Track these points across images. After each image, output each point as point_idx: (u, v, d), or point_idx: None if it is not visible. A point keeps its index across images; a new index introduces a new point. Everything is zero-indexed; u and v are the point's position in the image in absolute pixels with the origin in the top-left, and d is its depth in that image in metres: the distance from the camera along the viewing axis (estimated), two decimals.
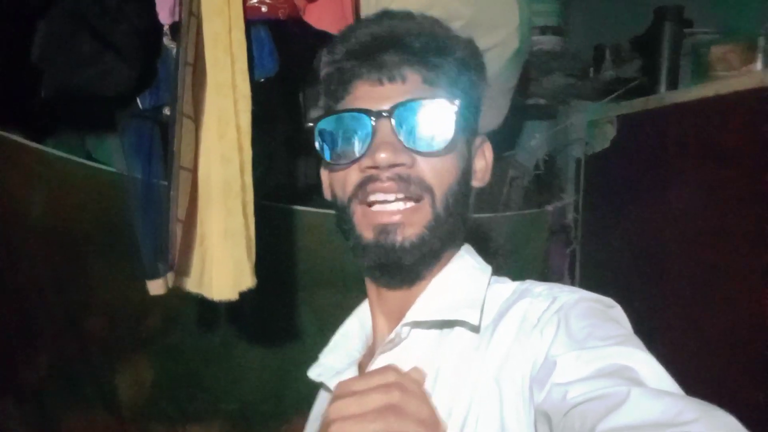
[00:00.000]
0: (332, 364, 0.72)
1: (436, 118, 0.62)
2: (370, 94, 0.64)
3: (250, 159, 0.95)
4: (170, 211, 0.89)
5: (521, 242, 1.91)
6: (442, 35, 0.66)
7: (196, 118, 0.90)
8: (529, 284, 0.65)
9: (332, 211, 2.03)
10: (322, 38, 1.14)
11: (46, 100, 0.94)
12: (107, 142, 1.41)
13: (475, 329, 0.61)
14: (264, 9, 0.98)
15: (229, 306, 1.60)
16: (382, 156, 0.60)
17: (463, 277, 0.67)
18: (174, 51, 0.93)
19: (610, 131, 1.57)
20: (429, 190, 0.62)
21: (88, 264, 1.60)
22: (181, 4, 0.89)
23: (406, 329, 0.64)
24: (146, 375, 1.74)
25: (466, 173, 0.68)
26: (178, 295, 1.28)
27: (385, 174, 0.61)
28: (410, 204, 0.62)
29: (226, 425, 1.78)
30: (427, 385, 0.60)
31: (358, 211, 0.63)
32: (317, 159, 2.21)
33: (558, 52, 2.02)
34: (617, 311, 0.61)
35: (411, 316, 0.64)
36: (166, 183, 0.96)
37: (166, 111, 0.97)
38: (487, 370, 0.58)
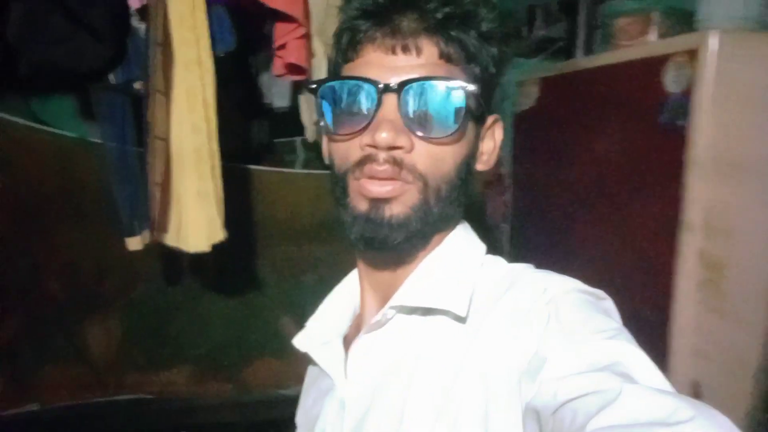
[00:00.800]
0: (318, 334, 0.71)
1: (446, 103, 0.58)
2: (381, 61, 0.59)
3: (216, 128, 1.07)
4: (148, 176, 1.01)
5: None
6: (468, 3, 0.60)
7: (167, 93, 1.02)
8: (522, 270, 0.62)
9: (287, 170, 2.15)
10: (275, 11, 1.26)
11: (23, 76, 1.02)
12: (54, 104, 1.47)
13: (461, 318, 0.59)
14: None
15: (193, 260, 1.74)
16: (382, 136, 0.57)
17: (453, 261, 0.64)
18: (142, 30, 1.03)
19: (534, 91, 1.75)
20: (421, 178, 0.59)
21: (53, 226, 1.66)
22: None
23: (391, 312, 0.63)
24: (116, 328, 1.83)
25: (470, 158, 0.64)
26: (141, 254, 1.39)
27: (383, 155, 0.58)
28: (399, 183, 0.59)
29: (194, 370, 1.91)
30: (408, 372, 0.59)
31: (353, 185, 0.61)
32: (269, 122, 2.31)
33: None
34: (608, 303, 0.59)
35: (397, 299, 0.62)
36: (140, 149, 1.07)
37: (137, 85, 1.07)
38: (473, 363, 0.56)
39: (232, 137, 1.91)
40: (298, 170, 2.11)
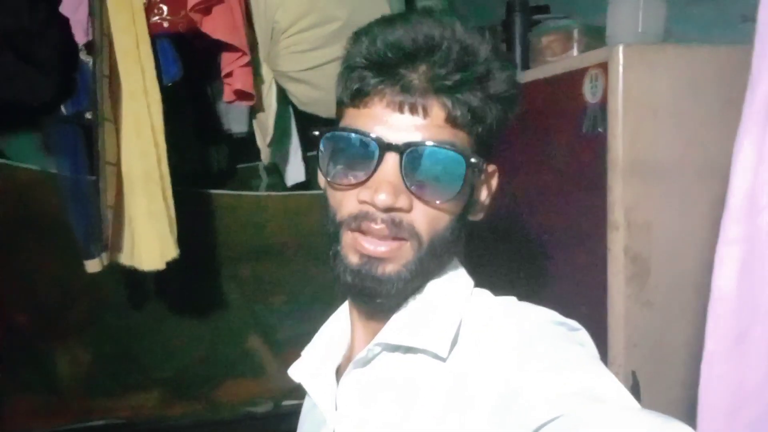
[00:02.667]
0: (311, 365, 0.71)
1: (447, 171, 0.58)
2: (387, 118, 0.59)
3: (165, 152, 1.14)
4: (100, 200, 1.07)
5: None
6: (481, 62, 0.59)
7: (116, 121, 1.09)
8: (501, 304, 0.64)
9: (249, 193, 2.19)
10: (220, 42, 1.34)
11: None
12: (19, 140, 1.53)
13: (443, 358, 0.60)
14: (165, 25, 1.16)
15: (157, 283, 1.78)
16: (382, 198, 0.57)
17: (438, 301, 0.64)
18: (90, 64, 1.10)
19: None
20: (416, 236, 0.60)
21: (16, 255, 1.67)
22: (93, 25, 1.07)
23: (376, 348, 0.63)
24: (83, 354, 1.84)
25: (465, 213, 0.64)
26: (105, 280, 1.41)
27: (381, 216, 0.58)
28: (396, 243, 0.59)
29: (162, 392, 1.92)
30: (392, 409, 0.60)
31: (347, 236, 0.60)
32: (232, 148, 2.37)
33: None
34: (582, 334, 0.60)
35: (381, 336, 0.63)
36: (93, 177, 1.13)
37: (88, 115, 1.14)
38: (452, 399, 0.57)
39: (193, 162, 1.99)
40: (260, 193, 2.16)
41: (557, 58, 1.48)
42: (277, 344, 1.98)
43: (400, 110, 0.58)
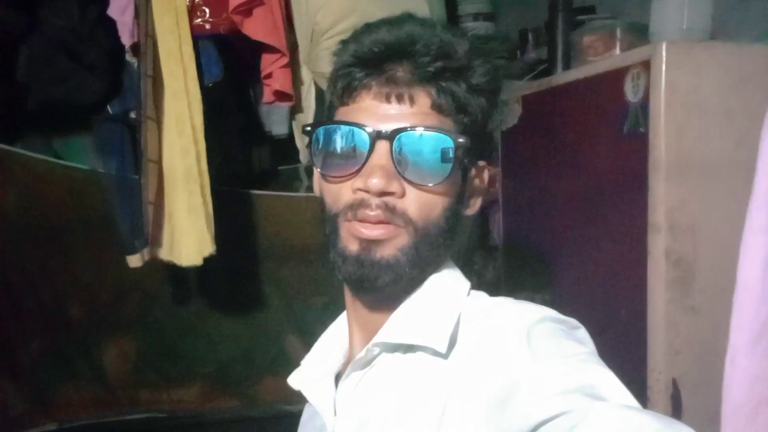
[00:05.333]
0: (311, 373, 0.72)
1: (437, 151, 0.60)
2: (375, 108, 0.61)
3: (205, 150, 1.18)
4: (142, 196, 1.12)
5: None
6: (462, 54, 0.62)
7: (158, 120, 1.13)
8: (500, 303, 0.64)
9: (291, 194, 2.22)
10: (261, 43, 1.37)
11: (32, 110, 1.15)
12: (74, 143, 1.60)
13: (442, 354, 0.61)
14: (207, 26, 1.20)
15: (201, 281, 1.83)
16: (374, 182, 0.59)
17: (435, 300, 0.66)
18: (135, 65, 1.15)
19: (517, 110, 1.82)
20: (411, 223, 0.61)
21: (71, 252, 1.75)
22: (138, 27, 1.11)
23: (375, 349, 0.64)
24: (130, 348, 1.90)
25: (458, 204, 0.66)
26: (153, 276, 1.46)
27: (375, 201, 0.60)
28: (392, 227, 0.61)
29: (204, 387, 1.97)
30: (393, 409, 0.61)
31: (345, 226, 0.62)
32: (270, 148, 2.42)
33: (490, 36, 2.24)
34: (581, 332, 0.60)
35: (380, 336, 0.64)
36: (136, 176, 1.18)
37: (133, 114, 1.19)
38: (453, 397, 0.58)
39: (236, 163, 2.04)
40: (300, 194, 2.19)
41: (599, 57, 1.45)
42: None
43: (388, 100, 0.61)
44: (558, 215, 1.58)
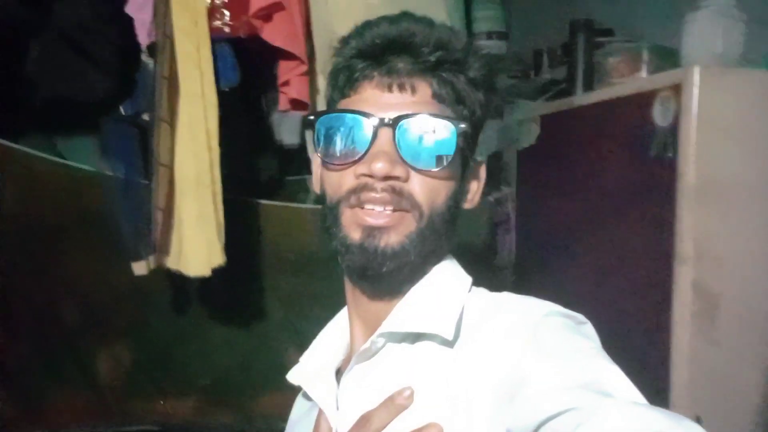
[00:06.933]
0: (311, 369, 0.72)
1: (438, 137, 0.61)
2: (377, 98, 0.62)
3: (218, 156, 1.13)
4: (152, 201, 1.07)
5: (468, 232, 2.11)
6: (459, 49, 0.64)
7: (172, 122, 1.08)
8: (505, 297, 0.65)
9: (296, 205, 2.19)
10: (279, 49, 1.33)
11: (37, 108, 1.10)
12: (78, 142, 1.55)
13: (449, 343, 0.61)
14: (226, 30, 1.16)
15: (200, 289, 1.78)
16: (379, 166, 0.59)
17: (440, 289, 0.66)
18: (151, 66, 1.11)
19: (535, 129, 1.79)
20: (417, 207, 0.62)
21: (66, 255, 1.69)
22: (156, 27, 1.07)
23: (380, 340, 0.64)
24: (124, 355, 1.85)
25: (458, 194, 0.67)
26: (151, 283, 1.41)
27: (380, 185, 0.60)
28: (397, 213, 0.61)
29: (200, 399, 1.90)
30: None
31: (347, 213, 0.62)
32: (279, 158, 2.37)
33: (503, 56, 2.23)
34: (588, 327, 0.61)
35: (386, 326, 0.63)
36: (145, 180, 1.13)
37: (145, 116, 1.15)
38: (459, 386, 0.58)
39: (242, 171, 1.99)
40: (306, 206, 2.15)
41: (624, 79, 1.42)
42: None
43: (389, 90, 0.63)
44: (576, 239, 1.54)
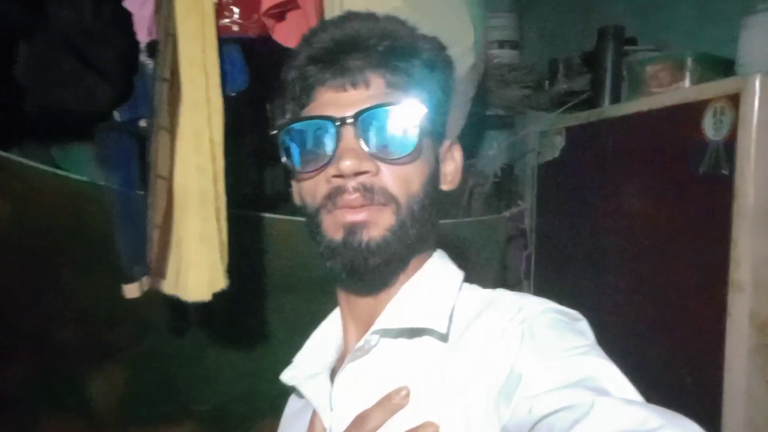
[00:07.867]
0: (305, 368, 0.72)
1: (401, 125, 0.61)
2: (334, 100, 0.63)
3: (223, 169, 1.02)
4: (148, 217, 0.95)
5: (481, 247, 2.01)
6: (406, 36, 0.65)
7: (172, 131, 0.97)
8: (499, 293, 0.64)
9: (299, 218, 2.10)
10: (289, 54, 1.22)
11: (29, 116, 0.99)
12: (74, 151, 1.45)
13: (443, 338, 0.61)
14: (235, 28, 1.05)
15: (200, 311, 1.67)
16: (347, 164, 0.59)
17: (432, 284, 0.66)
18: (150, 67, 1.00)
19: (559, 142, 1.68)
20: (393, 199, 0.62)
21: (61, 273, 1.62)
22: (158, 24, 0.96)
23: (374, 337, 0.64)
24: (120, 380, 1.77)
25: (434, 178, 0.67)
26: (149, 302, 1.32)
27: (351, 184, 0.60)
28: (375, 207, 0.61)
29: (199, 427, 1.82)
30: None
31: (327, 218, 0.62)
32: (283, 168, 2.29)
33: (515, 65, 2.14)
34: (583, 324, 0.60)
35: (379, 323, 0.63)
36: (142, 192, 1.02)
37: (143, 123, 1.03)
38: (455, 383, 0.57)
39: (246, 183, 1.89)
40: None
41: (664, 89, 1.30)
42: None
43: (345, 89, 0.64)
44: (607, 261, 1.42)
